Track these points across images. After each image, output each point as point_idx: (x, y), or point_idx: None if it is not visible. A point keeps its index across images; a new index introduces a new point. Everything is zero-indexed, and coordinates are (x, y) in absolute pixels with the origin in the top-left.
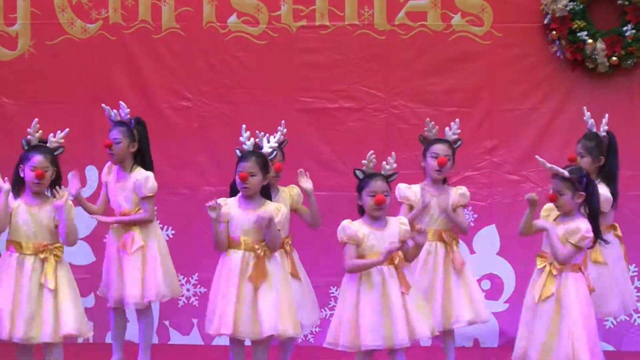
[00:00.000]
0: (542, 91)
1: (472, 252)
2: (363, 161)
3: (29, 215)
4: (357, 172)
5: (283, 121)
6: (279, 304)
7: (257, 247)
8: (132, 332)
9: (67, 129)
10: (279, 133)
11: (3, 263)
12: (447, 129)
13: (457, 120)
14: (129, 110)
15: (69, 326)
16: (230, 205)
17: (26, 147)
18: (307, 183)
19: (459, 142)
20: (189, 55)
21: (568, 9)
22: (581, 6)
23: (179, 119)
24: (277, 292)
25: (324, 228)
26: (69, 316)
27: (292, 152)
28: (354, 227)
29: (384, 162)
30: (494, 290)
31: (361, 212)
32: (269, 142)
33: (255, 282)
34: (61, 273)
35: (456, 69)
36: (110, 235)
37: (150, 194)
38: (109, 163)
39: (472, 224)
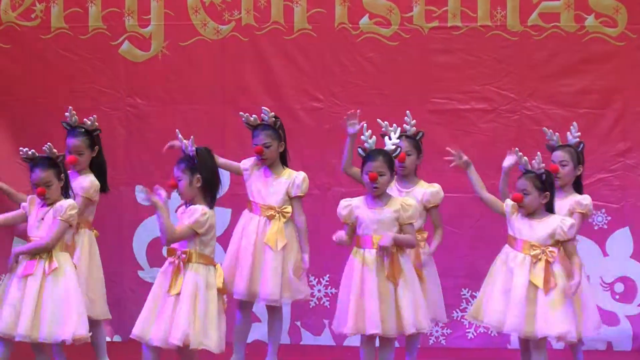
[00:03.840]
0: None
1: (605, 254)
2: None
3: (177, 220)
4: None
5: (408, 111)
6: (416, 300)
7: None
8: (262, 331)
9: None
10: (398, 129)
11: None
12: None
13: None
14: (273, 113)
15: (175, 336)
16: (356, 206)
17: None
18: None
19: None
20: (320, 56)
21: None
22: None
23: (311, 120)
24: (413, 288)
25: (453, 229)
26: (179, 325)
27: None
28: None
29: (533, 161)
30: (628, 293)
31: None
32: (390, 139)
33: (393, 279)
34: (188, 279)
35: (589, 71)
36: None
37: (302, 194)
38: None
39: (605, 227)
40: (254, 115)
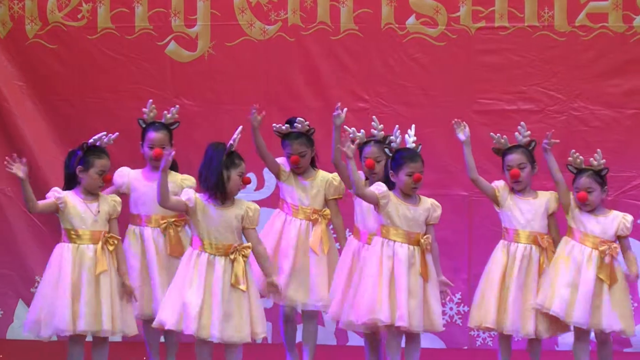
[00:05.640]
0: None
1: None
2: (569, 158)
3: (218, 216)
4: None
5: (374, 116)
6: (439, 298)
7: (422, 240)
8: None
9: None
10: (413, 126)
11: (189, 260)
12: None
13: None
14: (307, 122)
15: (261, 327)
16: (391, 202)
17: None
18: None
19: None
20: (366, 56)
21: None
22: None
23: (356, 120)
24: (438, 286)
25: (496, 228)
26: (258, 317)
27: None
28: None
29: (591, 159)
30: None
31: None
32: (409, 137)
33: (425, 275)
34: (248, 273)
35: (637, 71)
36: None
37: (339, 196)
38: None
39: None
40: (285, 125)
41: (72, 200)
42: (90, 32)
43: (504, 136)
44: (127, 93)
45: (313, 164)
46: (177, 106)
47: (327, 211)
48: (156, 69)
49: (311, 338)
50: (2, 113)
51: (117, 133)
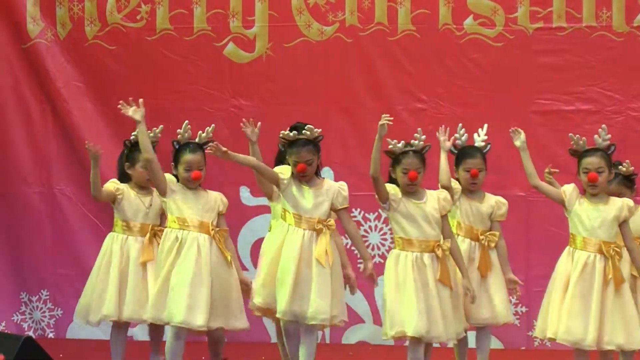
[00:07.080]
0: None
1: None
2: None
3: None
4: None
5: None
6: (505, 293)
7: (482, 237)
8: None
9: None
10: (486, 126)
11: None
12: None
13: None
14: (316, 130)
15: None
16: (460, 198)
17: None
18: None
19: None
20: (424, 57)
21: None
22: None
23: (414, 121)
24: (502, 282)
25: (558, 230)
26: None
27: None
28: None
29: (620, 166)
30: None
31: None
32: (479, 135)
33: (483, 271)
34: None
35: None
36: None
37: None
38: None
39: None
40: (293, 132)
41: (128, 193)
42: (149, 33)
43: (583, 138)
44: (185, 94)
45: (318, 172)
46: (213, 125)
47: (332, 222)
48: (214, 70)
49: (307, 352)
50: (62, 113)
51: (162, 126)
